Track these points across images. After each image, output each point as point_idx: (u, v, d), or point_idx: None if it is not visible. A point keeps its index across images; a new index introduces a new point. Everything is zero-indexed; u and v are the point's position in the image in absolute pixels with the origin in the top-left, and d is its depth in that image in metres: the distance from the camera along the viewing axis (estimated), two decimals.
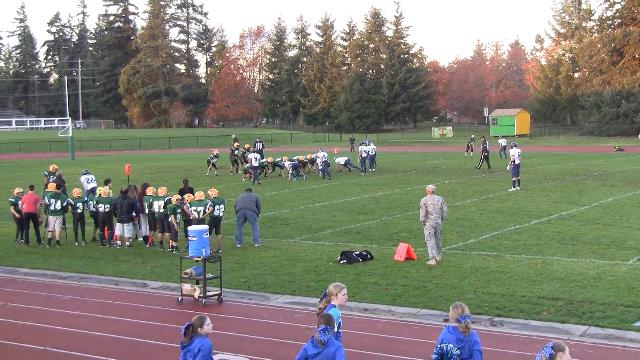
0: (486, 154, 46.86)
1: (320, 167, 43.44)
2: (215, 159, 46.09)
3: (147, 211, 22.13)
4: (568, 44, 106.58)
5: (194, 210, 20.79)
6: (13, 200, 23.60)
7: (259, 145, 53.43)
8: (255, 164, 40.34)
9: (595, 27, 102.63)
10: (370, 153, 46.29)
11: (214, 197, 21.32)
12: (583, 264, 18.15)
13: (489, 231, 23.24)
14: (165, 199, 21.72)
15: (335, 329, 8.57)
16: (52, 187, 24.43)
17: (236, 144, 48.91)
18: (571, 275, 16.91)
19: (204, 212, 20.83)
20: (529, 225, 24.31)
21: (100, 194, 23.38)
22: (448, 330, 8.62)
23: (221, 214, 21.35)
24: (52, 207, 22.80)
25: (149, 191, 22.47)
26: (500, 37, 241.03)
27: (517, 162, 33.93)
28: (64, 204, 23.06)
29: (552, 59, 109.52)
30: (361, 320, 14.01)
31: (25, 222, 23.30)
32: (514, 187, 33.72)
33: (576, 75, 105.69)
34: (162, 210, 21.60)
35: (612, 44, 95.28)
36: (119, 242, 22.44)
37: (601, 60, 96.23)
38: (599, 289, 15.63)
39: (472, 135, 65.58)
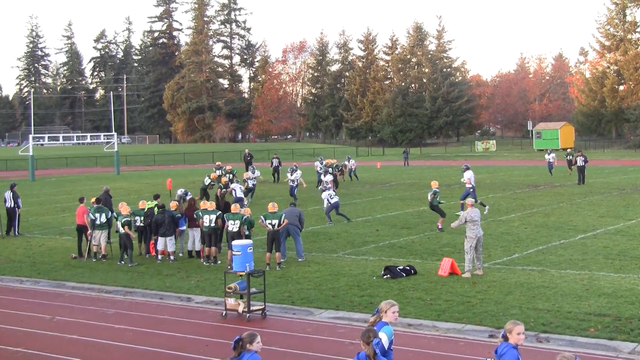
0: (582, 168, 44.63)
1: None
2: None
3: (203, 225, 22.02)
4: (613, 57, 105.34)
5: (269, 224, 20.90)
6: (126, 219, 22.54)
7: (275, 162, 53.02)
8: (240, 194, 34.83)
9: None
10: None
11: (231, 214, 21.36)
12: (631, 279, 17.88)
13: (533, 246, 23.01)
14: (226, 214, 21.73)
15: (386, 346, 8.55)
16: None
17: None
18: (619, 291, 16.67)
19: (279, 224, 20.90)
20: (574, 240, 24.02)
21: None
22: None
23: (235, 229, 20.93)
24: (97, 221, 23.11)
25: (202, 205, 22.67)
26: (544, 50, 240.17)
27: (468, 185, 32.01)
28: (109, 216, 23.36)
29: (596, 71, 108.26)
30: (405, 336, 13.92)
31: (78, 235, 23.78)
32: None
33: (621, 87, 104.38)
34: (212, 224, 21.71)
35: None
36: (160, 257, 22.62)
37: None
38: None
39: (569, 150, 60.88)
